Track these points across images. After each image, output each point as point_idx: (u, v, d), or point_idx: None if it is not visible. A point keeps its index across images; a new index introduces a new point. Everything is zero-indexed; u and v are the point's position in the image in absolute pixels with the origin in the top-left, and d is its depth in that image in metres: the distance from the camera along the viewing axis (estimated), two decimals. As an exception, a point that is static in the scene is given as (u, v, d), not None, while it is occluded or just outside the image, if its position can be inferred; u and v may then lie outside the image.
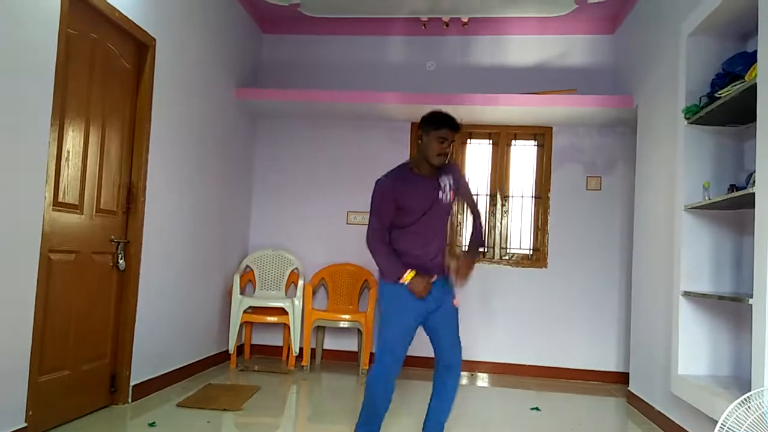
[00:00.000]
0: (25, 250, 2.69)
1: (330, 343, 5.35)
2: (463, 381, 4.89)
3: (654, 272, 3.92)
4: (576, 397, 4.51)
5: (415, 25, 5.29)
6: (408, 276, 2.66)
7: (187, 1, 4.09)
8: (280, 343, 5.30)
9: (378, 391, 2.78)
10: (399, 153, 5.35)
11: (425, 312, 2.73)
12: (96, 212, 3.29)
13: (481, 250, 2.89)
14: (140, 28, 3.49)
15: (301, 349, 4.88)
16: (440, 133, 2.62)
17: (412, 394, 4.29)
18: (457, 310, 2.84)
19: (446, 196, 2.75)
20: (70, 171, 3.05)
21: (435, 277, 2.73)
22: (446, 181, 2.76)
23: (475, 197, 2.98)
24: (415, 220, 2.70)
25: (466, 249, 2.92)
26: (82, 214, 3.18)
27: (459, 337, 2.84)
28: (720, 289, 3.22)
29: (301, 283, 5.01)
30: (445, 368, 2.85)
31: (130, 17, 3.38)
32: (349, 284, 5.25)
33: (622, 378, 4.81)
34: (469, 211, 2.97)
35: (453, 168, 2.84)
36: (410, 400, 4.16)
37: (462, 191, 2.86)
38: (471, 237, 2.95)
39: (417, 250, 2.72)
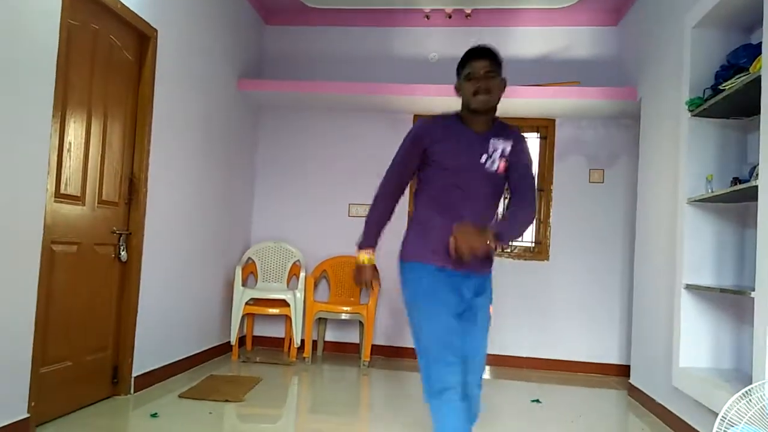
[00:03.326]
0: (28, 241, 2.69)
1: (331, 335, 5.36)
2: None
3: (656, 265, 3.91)
4: (577, 389, 4.52)
5: (417, 16, 5.27)
6: (364, 257, 2.17)
7: (189, -9, 4.08)
8: (282, 335, 5.32)
9: (447, 419, 1.95)
10: (401, 145, 5.35)
11: (457, 308, 2.07)
12: (98, 204, 3.29)
13: (506, 238, 2.05)
14: (142, 19, 3.48)
15: (302, 340, 4.89)
16: (468, 70, 2.09)
17: (414, 386, 4.29)
18: (490, 320, 2.22)
19: (493, 162, 2.09)
20: (72, 162, 3.05)
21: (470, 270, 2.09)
22: (499, 146, 2.11)
23: (532, 182, 2.18)
24: (447, 182, 2.09)
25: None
26: (84, 205, 3.18)
27: (485, 353, 2.18)
28: (722, 282, 3.22)
29: (302, 275, 5.02)
30: (466, 385, 2.08)
31: (131, 8, 3.36)
32: (351, 276, 5.24)
33: (624, 370, 4.82)
34: (511, 192, 2.17)
35: (516, 135, 2.18)
36: (411, 392, 4.17)
37: (518, 164, 2.14)
38: (504, 215, 2.15)
39: (438, 221, 2.07)
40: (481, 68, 2.07)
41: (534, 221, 2.22)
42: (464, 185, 2.09)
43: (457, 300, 2.07)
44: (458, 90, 2.18)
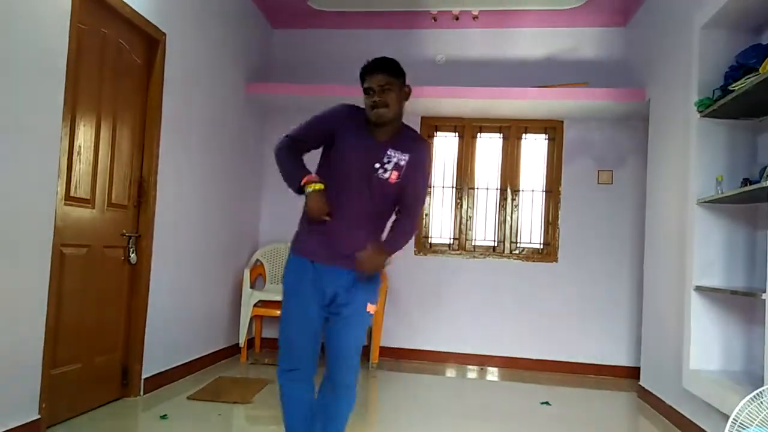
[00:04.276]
0: (38, 244, 2.71)
1: (340, 337, 5.35)
2: (473, 375, 4.89)
3: (666, 267, 3.89)
4: (586, 391, 4.50)
5: (424, 18, 5.27)
6: (315, 186, 2.09)
7: (197, -5, 4.10)
8: (291, 337, 5.32)
9: (282, 397, 2.24)
10: (409, 147, 5.36)
11: (324, 301, 2.17)
12: (107, 206, 3.31)
13: (397, 247, 2.19)
14: (150, 23, 3.50)
15: (311, 342, 4.89)
16: (366, 84, 2.14)
17: (422, 388, 4.30)
18: (366, 318, 2.25)
19: (385, 171, 2.14)
20: (82, 166, 3.07)
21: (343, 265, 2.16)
22: (395, 157, 2.15)
23: (422, 195, 2.26)
24: (340, 180, 2.14)
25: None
26: (94, 208, 3.20)
27: (355, 352, 2.23)
28: (732, 283, 3.19)
29: (311, 277, 5.02)
30: (328, 384, 2.25)
31: (140, 12, 3.39)
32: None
33: (633, 373, 4.79)
34: (400, 203, 2.24)
35: (417, 148, 2.20)
36: (420, 394, 4.17)
37: (411, 178, 2.18)
38: (391, 227, 2.25)
39: (320, 223, 2.13)
40: (377, 83, 2.12)
41: (415, 233, 2.32)
42: (353, 189, 2.15)
43: (322, 295, 2.16)
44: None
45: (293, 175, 2.15)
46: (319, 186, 2.10)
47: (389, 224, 2.28)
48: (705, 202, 3.18)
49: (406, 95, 2.22)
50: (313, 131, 2.21)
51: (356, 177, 2.15)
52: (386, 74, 2.13)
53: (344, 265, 2.15)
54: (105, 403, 3.38)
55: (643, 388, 4.21)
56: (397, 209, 2.27)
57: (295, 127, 2.23)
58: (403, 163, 2.16)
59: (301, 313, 2.17)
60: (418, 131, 5.36)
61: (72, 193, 2.99)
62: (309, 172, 2.15)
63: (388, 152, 2.16)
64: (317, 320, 2.19)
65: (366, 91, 2.14)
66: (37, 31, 2.62)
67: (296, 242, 2.26)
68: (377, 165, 2.14)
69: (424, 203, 2.26)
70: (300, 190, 2.14)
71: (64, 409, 3.02)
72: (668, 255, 3.84)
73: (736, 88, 2.88)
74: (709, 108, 3.14)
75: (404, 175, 2.17)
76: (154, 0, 3.52)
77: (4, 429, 2.54)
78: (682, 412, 3.47)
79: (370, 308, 2.25)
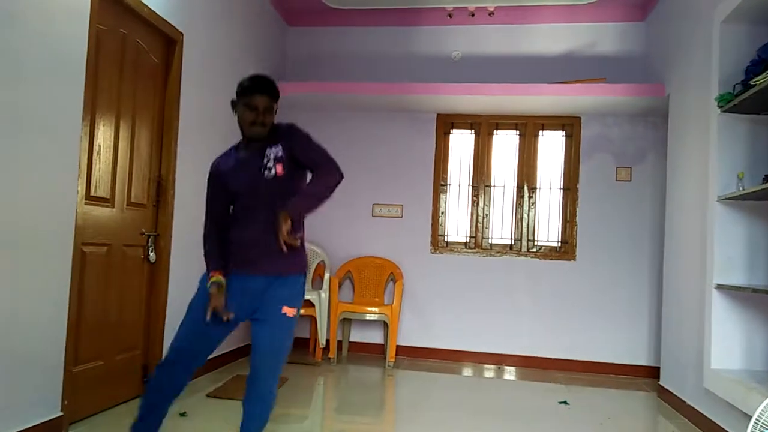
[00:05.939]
0: (59, 243, 2.75)
1: (356, 336, 5.37)
2: (490, 374, 4.87)
3: (686, 265, 3.84)
4: (605, 391, 4.46)
5: (440, 14, 5.25)
6: (214, 277, 2.26)
7: (214, -5, 4.13)
8: (307, 335, 5.34)
9: (156, 374, 2.33)
10: (425, 144, 5.35)
11: (239, 309, 2.28)
12: (127, 205, 3.35)
13: (295, 211, 2.18)
14: (168, 23, 3.53)
15: (327, 341, 4.91)
16: (249, 100, 2.25)
17: (439, 387, 4.29)
18: (286, 322, 2.26)
19: (270, 169, 2.24)
20: (102, 165, 3.11)
21: (254, 272, 2.26)
22: (272, 153, 2.27)
23: (318, 153, 2.32)
24: (241, 201, 2.30)
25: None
26: (114, 207, 3.23)
27: (272, 356, 2.27)
28: (754, 281, 3.15)
29: (327, 275, 5.04)
30: (248, 385, 2.32)
31: (158, 12, 3.41)
32: (375, 277, 5.26)
33: (653, 372, 4.74)
34: (311, 172, 2.31)
35: (285, 132, 2.32)
36: (436, 393, 4.17)
37: (298, 153, 2.28)
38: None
39: (236, 237, 2.30)
40: (262, 104, 2.24)
41: (340, 178, 2.30)
42: (252, 200, 2.27)
43: (238, 304, 2.26)
44: (234, 108, 2.35)
45: (208, 262, 2.35)
46: (219, 278, 2.26)
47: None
48: (726, 198, 3.14)
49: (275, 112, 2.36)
50: (215, 199, 2.39)
51: (250, 192, 2.27)
52: (270, 97, 2.26)
53: (255, 272, 2.26)
54: (125, 400, 3.42)
55: (663, 387, 4.16)
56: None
57: (206, 206, 2.43)
58: (281, 153, 2.27)
59: (201, 318, 2.25)
60: (434, 128, 5.36)
61: (92, 193, 3.03)
62: (221, 265, 2.30)
63: (265, 152, 2.28)
64: (220, 324, 2.26)
65: (249, 107, 2.26)
66: (56, 33, 2.65)
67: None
68: (261, 168, 2.25)
69: (331, 162, 2.30)
70: (207, 276, 2.31)
71: (86, 406, 3.07)
72: (688, 253, 3.79)
73: (758, 82, 2.84)
74: (730, 103, 3.09)
75: (287, 160, 2.26)
76: (171, 0, 3.55)
77: (28, 426, 2.59)
78: (703, 412, 3.42)
79: (288, 311, 2.26)
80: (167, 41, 3.62)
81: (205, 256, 2.37)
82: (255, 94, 2.26)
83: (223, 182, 2.33)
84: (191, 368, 2.33)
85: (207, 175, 2.40)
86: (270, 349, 2.27)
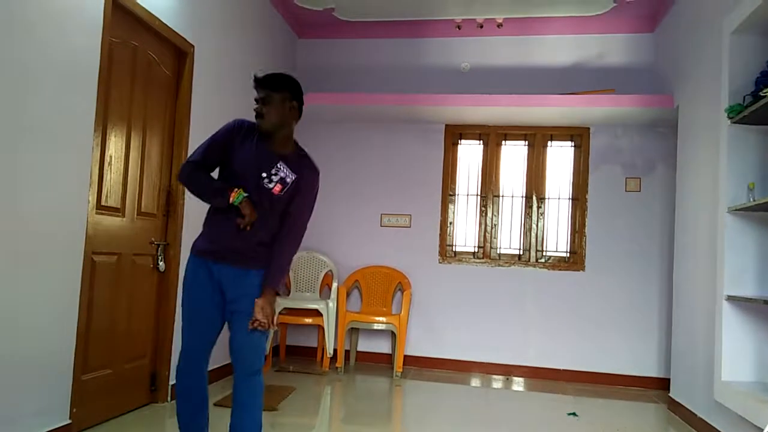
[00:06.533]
0: (70, 252, 2.78)
1: (364, 345, 5.36)
2: (498, 385, 4.85)
3: (696, 276, 3.82)
4: (615, 402, 4.42)
5: (449, 26, 5.28)
6: (237, 193, 2.23)
7: (225, 8, 4.17)
8: (315, 345, 5.34)
9: (177, 387, 2.45)
10: (433, 154, 5.36)
11: (220, 295, 2.32)
12: (137, 215, 3.37)
13: (279, 284, 2.33)
14: (179, 35, 3.57)
15: (335, 350, 4.91)
16: (255, 94, 2.33)
17: (447, 397, 4.27)
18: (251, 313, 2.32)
19: (270, 182, 2.28)
20: (113, 175, 3.14)
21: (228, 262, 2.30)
22: (283, 172, 2.30)
23: (304, 217, 2.41)
24: (231, 184, 2.29)
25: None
26: (124, 217, 3.26)
27: (249, 344, 2.32)
28: (766, 293, 3.12)
29: (335, 285, 5.05)
30: (235, 376, 2.41)
31: (169, 25, 3.46)
32: (383, 286, 5.26)
33: (663, 384, 4.70)
34: (284, 219, 2.35)
35: (308, 171, 2.37)
36: (444, 404, 4.15)
37: (295, 199, 2.33)
38: (272, 257, 2.33)
39: (214, 220, 2.34)
40: (260, 94, 2.30)
41: (297, 250, 2.44)
42: (247, 190, 2.27)
43: (213, 289, 2.31)
44: None
45: (215, 189, 2.28)
46: (245, 193, 2.25)
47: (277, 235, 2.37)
48: (736, 210, 3.12)
49: (293, 112, 2.35)
50: (210, 151, 2.34)
51: (245, 181, 2.27)
52: (267, 88, 2.30)
53: (232, 263, 2.29)
54: (134, 408, 3.43)
55: (673, 399, 4.12)
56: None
57: (194, 152, 2.37)
58: (289, 180, 2.32)
59: (192, 308, 2.35)
60: (442, 139, 5.37)
61: (103, 202, 3.06)
62: (228, 186, 2.27)
63: (278, 164, 2.31)
64: (211, 311, 2.33)
65: (255, 99, 2.33)
66: (69, 45, 2.69)
67: (195, 244, 2.41)
68: (264, 174, 2.29)
69: (304, 229, 2.41)
70: (226, 201, 2.25)
71: (94, 414, 3.08)
72: (699, 264, 3.77)
73: (768, 93, 2.83)
74: (740, 114, 3.09)
75: (289, 193, 2.31)
76: (182, 13, 3.60)
77: (37, 433, 2.60)
78: (714, 425, 3.39)
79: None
80: (178, 53, 3.66)
81: (202, 185, 2.32)
82: (258, 87, 2.33)
83: (230, 151, 2.32)
84: (204, 359, 2.45)
85: (224, 126, 2.36)
86: (249, 338, 2.34)
